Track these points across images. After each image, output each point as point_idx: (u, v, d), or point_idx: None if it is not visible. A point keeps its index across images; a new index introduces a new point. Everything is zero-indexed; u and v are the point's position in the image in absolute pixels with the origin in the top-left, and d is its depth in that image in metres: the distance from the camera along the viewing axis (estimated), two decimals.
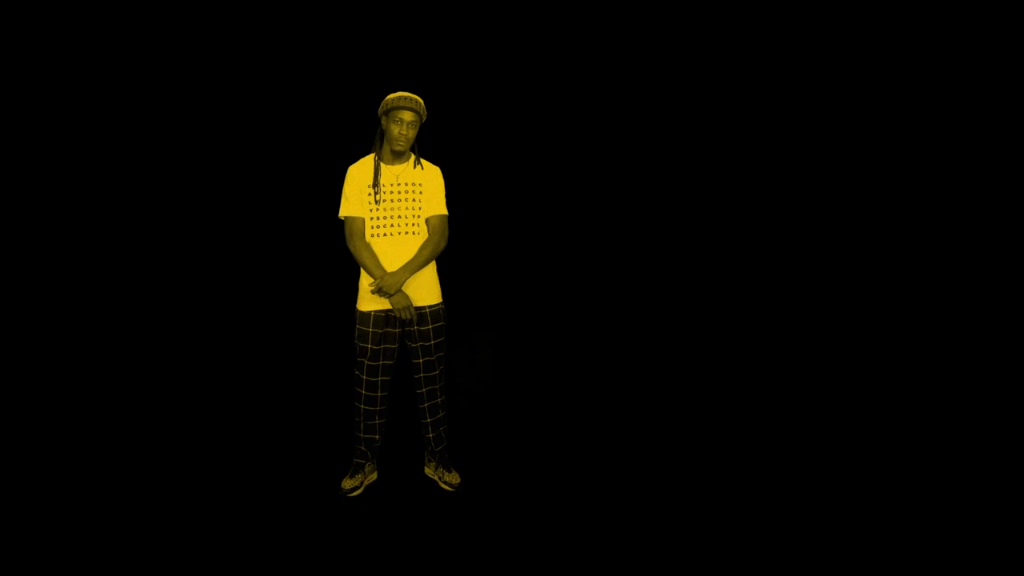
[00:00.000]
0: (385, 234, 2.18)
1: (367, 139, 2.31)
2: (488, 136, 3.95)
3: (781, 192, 4.12)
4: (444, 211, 2.28)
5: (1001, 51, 3.64)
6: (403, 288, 2.19)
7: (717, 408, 3.18)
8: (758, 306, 4.19)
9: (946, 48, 3.73)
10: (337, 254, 2.61)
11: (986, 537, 2.02)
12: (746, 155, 4.12)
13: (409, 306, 2.18)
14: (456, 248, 2.50)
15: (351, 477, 2.34)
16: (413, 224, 2.20)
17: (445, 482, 2.37)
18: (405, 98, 2.12)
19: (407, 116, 2.13)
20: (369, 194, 2.18)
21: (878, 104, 3.95)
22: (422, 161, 2.29)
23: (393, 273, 2.15)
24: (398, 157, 2.22)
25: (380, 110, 2.19)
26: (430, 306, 2.27)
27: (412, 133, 2.16)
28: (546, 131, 4.07)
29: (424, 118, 2.21)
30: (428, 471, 2.47)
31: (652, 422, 3.02)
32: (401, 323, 2.26)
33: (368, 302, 2.23)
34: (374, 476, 2.43)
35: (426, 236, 2.23)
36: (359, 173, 2.22)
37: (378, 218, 2.18)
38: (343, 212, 2.23)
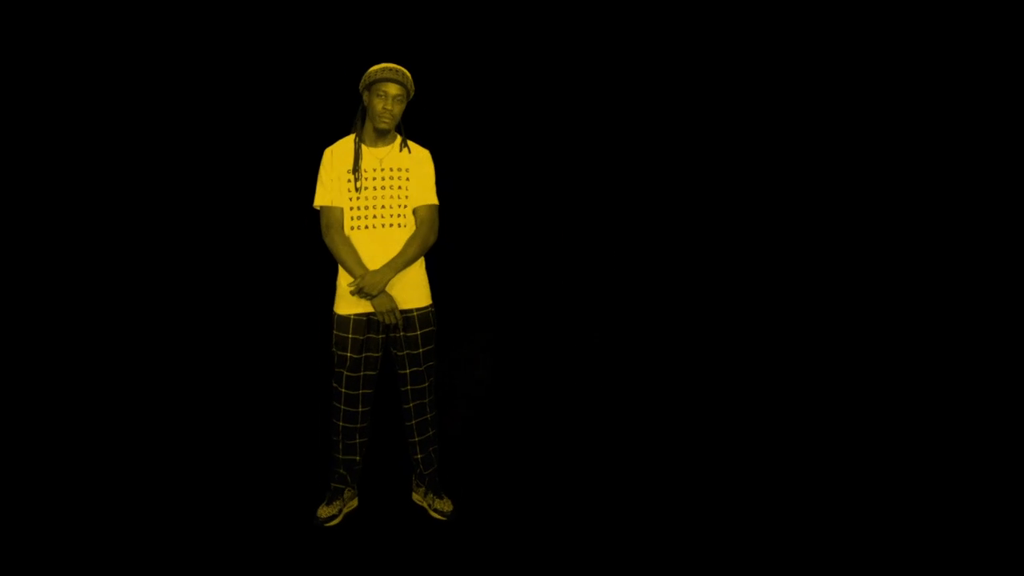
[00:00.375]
0: (367, 226, 2.00)
1: (347, 119, 2.10)
2: (483, 117, 3.81)
3: (782, 185, 4.08)
4: (434, 200, 2.10)
5: (1001, 51, 3.61)
6: (387, 288, 2.00)
7: (725, 424, 3.08)
8: (762, 303, 4.16)
9: (946, 48, 3.70)
10: (311, 249, 2.43)
11: (986, 537, 2.02)
12: (746, 145, 4.06)
13: (394, 309, 2.00)
14: (448, 243, 2.33)
15: (328, 504, 2.14)
16: (399, 215, 2.02)
17: (435, 510, 2.17)
18: (390, 69, 1.94)
19: (392, 89, 1.94)
20: (348, 180, 2.00)
21: (877, 105, 3.95)
22: (409, 143, 2.10)
23: (376, 271, 1.96)
24: (382, 137, 2.03)
25: (361, 84, 2.01)
26: (418, 309, 2.09)
27: (398, 109, 1.98)
28: (546, 113, 3.93)
29: (412, 94, 2.04)
30: (416, 497, 2.28)
31: (666, 439, 2.90)
32: (385, 328, 2.08)
33: (347, 304, 2.04)
34: (354, 503, 2.23)
35: (413, 229, 2.05)
36: (337, 156, 2.03)
37: (359, 208, 2.00)
38: (318, 201, 2.05)
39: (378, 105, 1.94)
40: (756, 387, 3.54)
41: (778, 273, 4.09)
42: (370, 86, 1.95)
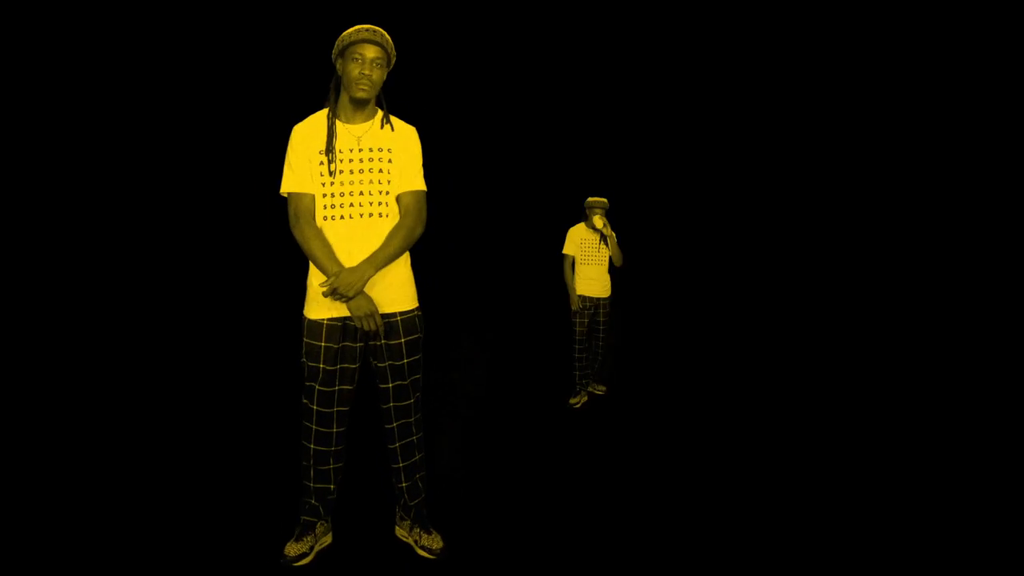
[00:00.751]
0: (342, 216, 1.78)
1: (320, 95, 1.85)
2: (485, 114, 3.66)
3: (779, 186, 4.05)
4: (421, 186, 1.88)
5: (1001, 51, 3.62)
6: (366, 289, 1.77)
7: (730, 429, 3.08)
8: (759, 305, 4.17)
9: (949, 48, 3.70)
10: (278, 243, 2.20)
11: (986, 537, 2.06)
12: (744, 142, 4.02)
13: (374, 313, 1.77)
14: (437, 236, 2.11)
15: (297, 541, 1.90)
16: (380, 203, 1.80)
17: (422, 547, 1.93)
18: (367, 29, 1.73)
19: (370, 52, 1.72)
20: (321, 162, 1.78)
21: (884, 107, 3.93)
22: (392, 119, 1.86)
23: (352, 269, 1.74)
24: (360, 110, 1.81)
25: (334, 51, 1.80)
26: (402, 313, 1.86)
27: (378, 75, 1.76)
28: (547, 112, 3.80)
29: (393, 59, 1.83)
30: (400, 532, 2.03)
31: (668, 443, 2.84)
32: (363, 335, 1.85)
33: (319, 308, 1.81)
34: (328, 539, 1.99)
35: (397, 219, 1.83)
36: (307, 135, 1.80)
37: (333, 194, 1.78)
38: (285, 187, 1.81)
39: (354, 70, 1.71)
40: (759, 392, 3.52)
41: (775, 275, 4.11)
42: (344, 51, 1.74)
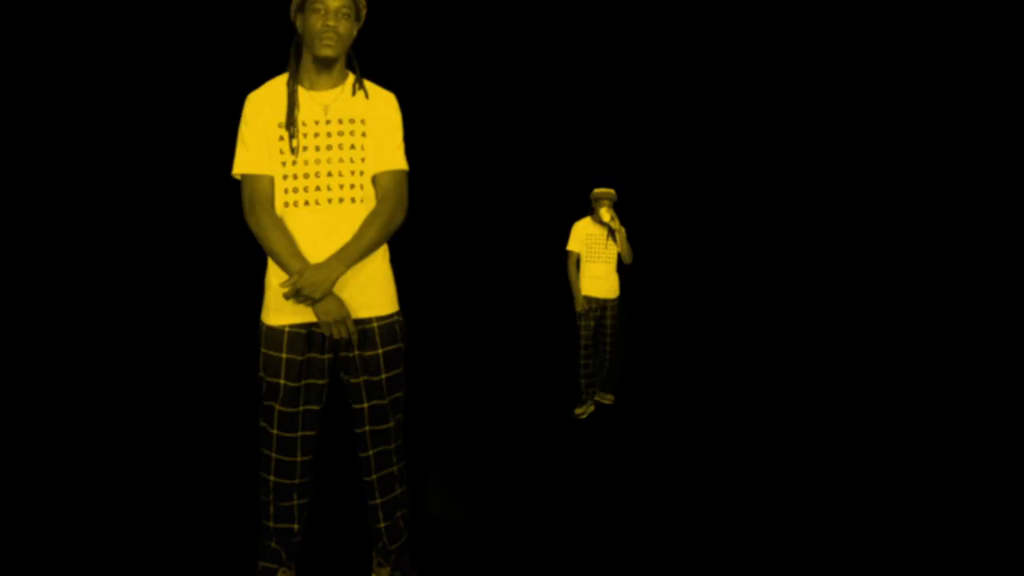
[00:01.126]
0: (307, 202, 1.52)
1: (278, 62, 1.60)
2: (487, 114, 3.49)
3: (803, 176, 3.97)
4: (402, 165, 1.62)
5: (1001, 51, 3.66)
6: (335, 290, 1.53)
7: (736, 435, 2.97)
8: (757, 308, 4.14)
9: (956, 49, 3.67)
10: (230, 235, 1.95)
11: (986, 537, 2.06)
12: (764, 126, 3.93)
13: (345, 318, 1.52)
14: (434, 232, 1.87)
15: None
16: (352, 185, 1.55)
17: None
18: None
19: (335, 0, 1.46)
20: (281, 137, 1.53)
21: (887, 107, 3.88)
22: (366, 83, 1.60)
23: (319, 266, 1.49)
24: (326, 72, 1.54)
25: (293, 6, 1.54)
26: (379, 318, 1.61)
27: (345, 28, 1.49)
28: (549, 109, 3.70)
29: (363, 11, 1.59)
30: None
31: (670, 448, 2.72)
32: (333, 345, 1.60)
33: (280, 312, 1.56)
34: None
35: (372, 204, 1.58)
36: (263, 104, 1.54)
37: (296, 176, 1.52)
38: (239, 168, 1.55)
39: (316, 23, 1.45)
40: (779, 403, 3.43)
41: (795, 276, 4.01)
42: (304, 3, 1.48)
